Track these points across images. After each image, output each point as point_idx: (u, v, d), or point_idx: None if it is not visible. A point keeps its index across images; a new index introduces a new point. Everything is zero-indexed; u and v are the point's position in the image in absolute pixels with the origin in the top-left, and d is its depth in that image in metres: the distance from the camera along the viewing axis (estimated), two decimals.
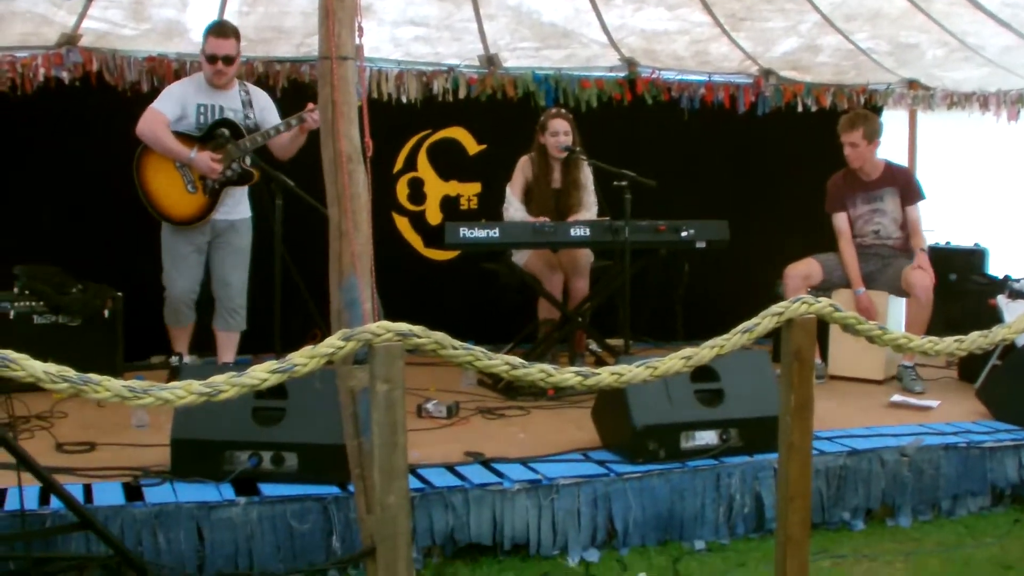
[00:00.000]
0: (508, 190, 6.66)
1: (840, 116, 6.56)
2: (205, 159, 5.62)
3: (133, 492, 3.91)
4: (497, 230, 6.03)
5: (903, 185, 6.46)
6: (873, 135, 6.36)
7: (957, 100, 8.42)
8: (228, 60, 5.70)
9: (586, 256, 6.69)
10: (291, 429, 4.07)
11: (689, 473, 4.36)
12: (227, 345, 5.96)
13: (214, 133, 5.69)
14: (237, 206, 5.88)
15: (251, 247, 5.96)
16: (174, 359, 5.95)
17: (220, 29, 5.73)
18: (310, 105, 5.66)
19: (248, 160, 5.71)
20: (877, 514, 4.69)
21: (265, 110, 5.92)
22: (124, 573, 3.53)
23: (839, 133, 6.40)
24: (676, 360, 3.20)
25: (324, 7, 3.27)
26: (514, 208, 6.57)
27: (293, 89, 6.84)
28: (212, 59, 5.66)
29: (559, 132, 6.52)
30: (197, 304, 5.93)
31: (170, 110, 5.66)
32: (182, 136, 5.66)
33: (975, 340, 3.57)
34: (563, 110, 6.83)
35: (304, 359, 2.80)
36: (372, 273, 3.34)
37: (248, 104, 5.85)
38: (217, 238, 5.85)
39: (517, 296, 6.83)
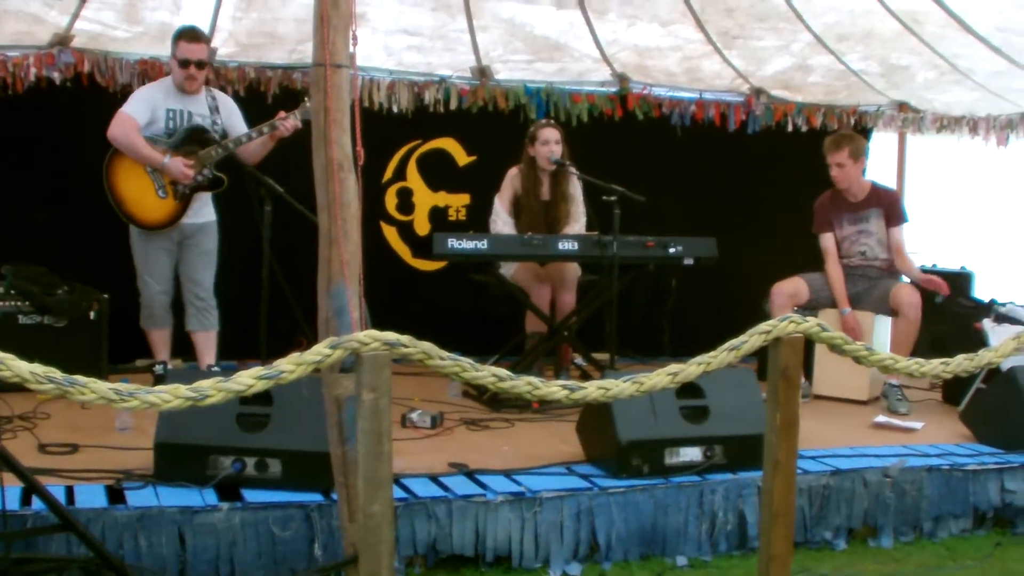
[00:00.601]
0: (496, 201, 6.67)
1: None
2: (178, 164, 5.62)
3: (115, 495, 3.88)
4: (485, 241, 6.02)
5: (888, 206, 6.48)
6: (859, 154, 6.40)
7: (947, 124, 8.48)
8: (201, 65, 5.72)
9: (574, 270, 6.69)
10: (276, 435, 4.06)
11: (673, 489, 4.36)
12: (206, 346, 5.94)
13: (204, 139, 5.71)
14: (203, 209, 5.89)
15: (220, 249, 5.96)
16: (158, 368, 5.92)
17: (192, 34, 5.73)
18: (281, 113, 5.71)
19: (213, 169, 5.72)
20: (859, 534, 4.69)
21: (232, 115, 5.92)
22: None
23: (825, 154, 6.43)
24: (662, 376, 3.21)
25: (319, 14, 3.27)
26: (502, 220, 6.57)
27: (285, 96, 6.84)
28: (184, 64, 5.65)
29: (550, 141, 6.52)
30: (172, 308, 5.93)
31: (141, 114, 5.64)
32: (150, 141, 5.64)
33: (961, 363, 3.59)
34: (552, 121, 6.85)
35: (291, 366, 2.80)
36: (360, 282, 3.33)
37: (215, 110, 5.85)
38: (185, 240, 5.85)
39: (504, 308, 6.83)
